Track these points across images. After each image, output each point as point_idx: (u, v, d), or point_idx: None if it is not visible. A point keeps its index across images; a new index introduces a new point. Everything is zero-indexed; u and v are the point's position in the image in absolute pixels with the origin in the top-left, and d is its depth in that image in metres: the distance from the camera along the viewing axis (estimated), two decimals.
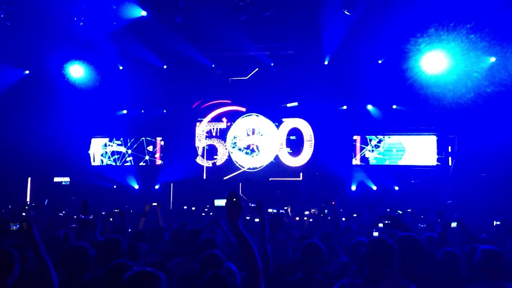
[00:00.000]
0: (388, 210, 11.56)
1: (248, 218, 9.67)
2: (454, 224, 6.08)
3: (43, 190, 17.39)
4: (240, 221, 3.08)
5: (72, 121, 17.98)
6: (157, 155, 19.17)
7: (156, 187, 18.35)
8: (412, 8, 12.90)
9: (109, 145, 19.42)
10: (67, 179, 18.57)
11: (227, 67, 18.30)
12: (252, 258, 3.02)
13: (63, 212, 9.98)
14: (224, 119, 18.99)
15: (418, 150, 17.43)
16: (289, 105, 18.41)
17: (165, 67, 17.45)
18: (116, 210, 7.68)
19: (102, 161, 19.39)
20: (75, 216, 11.45)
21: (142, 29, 14.93)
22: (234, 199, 3.07)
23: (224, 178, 18.39)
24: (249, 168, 18.54)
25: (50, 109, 17.26)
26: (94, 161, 19.42)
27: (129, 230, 7.06)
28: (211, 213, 11.73)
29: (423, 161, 17.33)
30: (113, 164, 19.27)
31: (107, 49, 16.16)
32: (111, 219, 9.55)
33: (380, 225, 4.98)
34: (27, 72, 17.25)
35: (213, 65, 17.78)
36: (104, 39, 15.47)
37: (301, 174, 18.15)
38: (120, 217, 7.50)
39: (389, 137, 17.84)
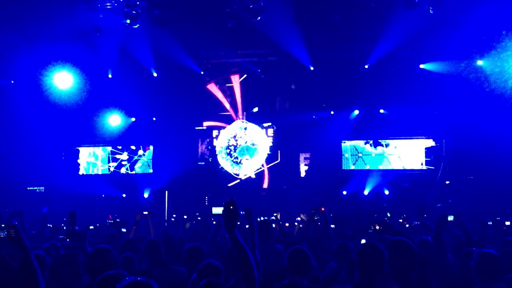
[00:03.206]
0: (375, 215, 11.56)
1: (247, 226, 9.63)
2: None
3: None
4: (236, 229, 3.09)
5: (57, 129, 17.85)
6: (148, 163, 19.04)
7: (146, 195, 18.20)
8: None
9: (101, 154, 19.26)
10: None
11: (215, 73, 18.30)
12: (248, 265, 3.04)
13: (50, 225, 9.86)
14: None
15: (407, 154, 17.49)
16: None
17: (155, 74, 17.37)
18: (109, 221, 7.61)
19: (95, 169, 19.23)
20: (64, 226, 11.37)
21: (130, 37, 14.93)
22: (231, 207, 3.07)
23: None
24: (236, 175, 18.56)
25: (35, 118, 17.17)
26: (82, 170, 19.23)
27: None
28: (198, 218, 11.62)
29: (412, 165, 17.39)
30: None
31: (96, 58, 16.15)
32: (97, 224, 9.49)
33: (370, 231, 4.99)
34: (12, 82, 17.15)
35: (202, 72, 17.75)
36: (93, 48, 15.48)
37: None
38: (113, 227, 7.47)
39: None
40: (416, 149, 17.42)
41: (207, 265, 4.25)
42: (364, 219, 10.19)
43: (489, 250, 4.33)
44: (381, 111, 17.42)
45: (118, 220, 7.78)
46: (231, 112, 18.86)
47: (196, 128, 18.96)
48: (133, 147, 19.14)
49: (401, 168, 17.47)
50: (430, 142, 17.29)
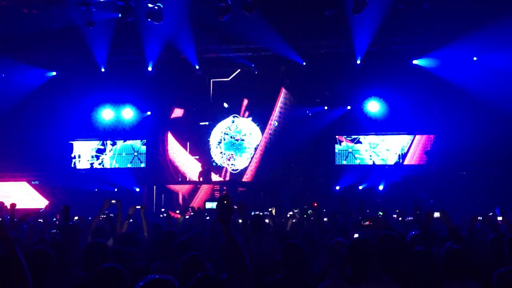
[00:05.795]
0: (368, 211, 11.54)
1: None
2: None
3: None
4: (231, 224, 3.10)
5: (51, 124, 17.83)
6: (141, 157, 18.98)
7: (137, 189, 18.08)
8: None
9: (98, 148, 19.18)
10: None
11: (208, 68, 18.28)
12: (242, 259, 3.04)
13: (41, 220, 9.79)
14: None
15: (401, 149, 17.56)
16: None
17: (150, 69, 17.29)
18: (102, 216, 7.57)
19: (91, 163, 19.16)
20: (56, 221, 11.32)
21: (123, 30, 14.90)
22: (225, 202, 3.08)
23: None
24: (234, 170, 18.57)
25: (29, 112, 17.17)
26: (79, 163, 19.11)
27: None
28: (187, 216, 11.53)
29: (406, 160, 17.45)
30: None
31: (91, 51, 16.16)
32: (89, 217, 9.41)
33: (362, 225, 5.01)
34: (3, 75, 17.12)
35: (197, 67, 17.69)
36: (85, 42, 15.45)
37: None
38: (107, 223, 7.45)
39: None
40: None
41: (191, 257, 4.23)
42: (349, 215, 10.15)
43: (456, 246, 4.32)
44: (374, 106, 17.39)
45: (111, 215, 7.76)
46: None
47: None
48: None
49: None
50: (424, 138, 17.38)
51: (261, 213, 9.73)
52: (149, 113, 18.75)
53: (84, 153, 19.06)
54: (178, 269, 4.09)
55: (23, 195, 17.59)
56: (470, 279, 4.16)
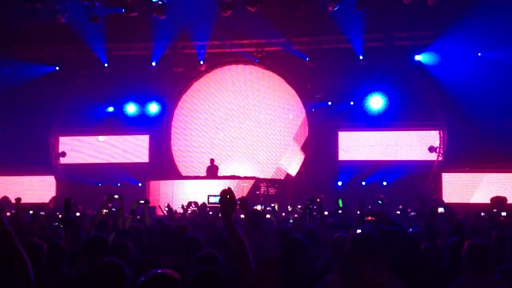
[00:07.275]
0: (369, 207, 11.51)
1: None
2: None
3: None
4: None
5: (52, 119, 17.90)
6: (145, 152, 18.99)
7: (139, 184, 18.05)
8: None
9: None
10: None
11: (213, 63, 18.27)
12: (244, 255, 3.03)
13: (43, 213, 9.80)
14: None
15: (405, 145, 17.51)
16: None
17: (154, 64, 17.27)
18: (104, 211, 7.56)
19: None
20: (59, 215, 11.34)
21: (127, 26, 14.92)
22: (228, 196, 3.07)
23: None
24: None
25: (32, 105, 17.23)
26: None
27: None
28: (189, 211, 11.51)
29: (410, 156, 17.40)
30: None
31: (94, 46, 16.18)
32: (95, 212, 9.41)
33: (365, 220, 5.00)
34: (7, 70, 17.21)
35: (201, 62, 17.65)
36: (88, 37, 15.48)
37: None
38: (110, 217, 7.45)
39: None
40: (414, 140, 17.45)
41: (206, 255, 4.23)
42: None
43: (480, 241, 4.36)
44: (377, 101, 17.31)
45: (114, 209, 7.75)
46: None
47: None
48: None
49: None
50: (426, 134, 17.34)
51: (263, 208, 9.76)
52: (151, 107, 18.69)
53: (86, 148, 19.12)
54: (192, 265, 4.09)
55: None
56: (492, 273, 4.20)
